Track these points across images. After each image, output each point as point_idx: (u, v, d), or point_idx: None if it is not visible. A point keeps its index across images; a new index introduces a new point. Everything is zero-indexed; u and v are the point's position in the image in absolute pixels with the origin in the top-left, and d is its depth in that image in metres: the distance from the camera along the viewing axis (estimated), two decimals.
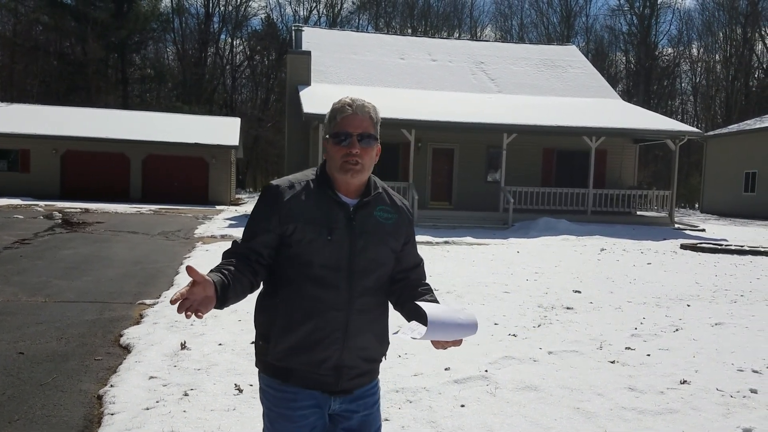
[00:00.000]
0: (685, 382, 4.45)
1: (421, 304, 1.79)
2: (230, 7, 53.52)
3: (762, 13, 51.08)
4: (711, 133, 35.64)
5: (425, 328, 1.72)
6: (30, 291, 7.36)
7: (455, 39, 37.82)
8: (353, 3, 57.50)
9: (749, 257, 12.85)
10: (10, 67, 44.00)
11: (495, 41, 36.91)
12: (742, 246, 14.41)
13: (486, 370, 4.58)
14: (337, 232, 1.83)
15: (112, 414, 3.70)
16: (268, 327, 1.86)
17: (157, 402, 3.87)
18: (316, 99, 19.02)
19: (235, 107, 50.63)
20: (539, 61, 27.16)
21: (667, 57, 56.61)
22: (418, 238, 15.02)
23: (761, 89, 51.78)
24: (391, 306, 2.02)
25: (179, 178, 28.97)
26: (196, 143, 28.46)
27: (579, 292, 8.23)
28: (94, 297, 7.18)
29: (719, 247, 14.13)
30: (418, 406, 3.88)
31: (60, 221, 16.12)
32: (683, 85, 57.68)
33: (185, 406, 3.81)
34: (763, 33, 51.81)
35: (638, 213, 21.67)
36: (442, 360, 4.82)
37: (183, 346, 5.05)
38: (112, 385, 4.18)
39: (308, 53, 22.29)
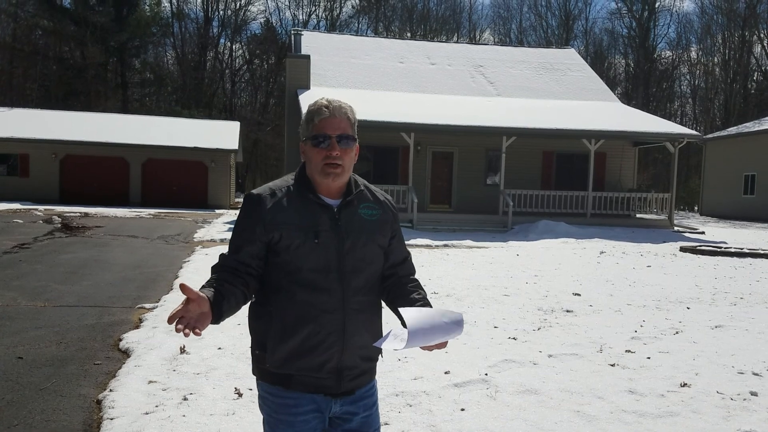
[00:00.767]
0: (685, 384, 4.44)
1: (401, 311, 1.73)
2: (229, 12, 53.65)
3: (760, 16, 51.19)
4: (710, 135, 35.67)
5: (406, 337, 1.64)
6: (29, 295, 7.35)
7: (454, 43, 37.86)
8: (352, 7, 57.72)
9: (749, 260, 12.85)
10: (10, 71, 44.04)
11: (494, 45, 36.93)
12: (741, 248, 14.41)
13: (486, 374, 4.58)
14: (323, 235, 1.83)
15: (112, 419, 3.69)
16: (264, 335, 1.85)
17: (156, 406, 3.87)
18: None
19: (234, 111, 50.67)
20: (538, 65, 27.19)
21: (665, 60, 56.74)
22: (418, 241, 15.03)
23: (760, 92, 51.84)
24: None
25: (179, 182, 28.97)
26: (195, 147, 28.48)
27: (579, 295, 8.23)
28: (93, 301, 7.17)
29: (719, 249, 14.13)
30: (417, 410, 3.87)
31: (59, 225, 16.10)
32: (682, 88, 57.81)
33: (185, 411, 3.80)
34: (761, 36, 51.91)
35: (638, 216, 21.68)
36: (442, 364, 4.81)
37: (182, 350, 5.04)
38: (111, 390, 4.17)
39: (307, 57, 22.32)
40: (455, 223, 19.42)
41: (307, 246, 1.81)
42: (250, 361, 4.63)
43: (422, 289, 2.01)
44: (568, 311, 7.11)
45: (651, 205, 21.14)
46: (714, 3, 54.38)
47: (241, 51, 54.98)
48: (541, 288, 8.72)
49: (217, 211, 26.28)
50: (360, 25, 56.72)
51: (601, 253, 13.63)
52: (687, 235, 19.43)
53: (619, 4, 56.68)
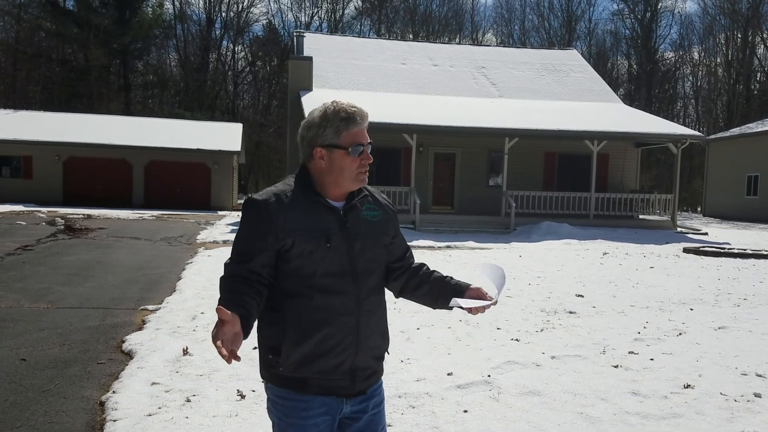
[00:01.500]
0: (688, 386, 4.43)
1: (478, 267, 2.11)
2: (232, 14, 53.74)
3: (763, 17, 51.11)
4: (713, 136, 35.61)
5: (495, 289, 1.99)
6: (32, 297, 7.37)
7: (456, 44, 37.87)
8: (355, 9, 57.68)
9: (752, 261, 12.82)
10: (13, 74, 44.19)
11: (496, 46, 36.93)
12: (744, 249, 14.38)
13: (489, 375, 4.57)
14: (334, 238, 1.82)
15: (115, 420, 3.69)
16: (278, 340, 1.82)
17: (159, 408, 3.87)
18: (318, 105, 19.03)
19: (237, 113, 50.75)
20: (540, 66, 27.18)
21: (668, 61, 56.68)
22: (420, 242, 15.03)
23: (763, 92, 51.74)
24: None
25: (181, 184, 29.01)
26: (198, 149, 28.52)
27: (582, 296, 8.21)
28: (96, 303, 7.18)
29: (722, 250, 14.10)
30: (420, 412, 3.87)
31: (62, 227, 16.14)
32: (685, 89, 57.74)
33: (187, 412, 3.80)
34: (764, 36, 51.83)
35: (640, 217, 21.65)
36: (445, 365, 4.81)
37: (185, 351, 5.04)
38: (114, 392, 4.17)
39: (310, 59, 22.34)
40: (457, 225, 19.42)
41: (320, 251, 1.80)
42: (252, 363, 4.64)
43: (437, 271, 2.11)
44: (571, 313, 7.10)
45: (654, 206, 21.10)
46: (716, 3, 54.35)
47: (243, 53, 55.16)
48: (543, 289, 8.70)
49: (220, 213, 26.31)
50: (362, 27, 56.81)
51: (604, 254, 13.61)
52: (690, 236, 19.39)
53: (621, 6, 56.71)
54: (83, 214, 21.03)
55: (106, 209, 24.33)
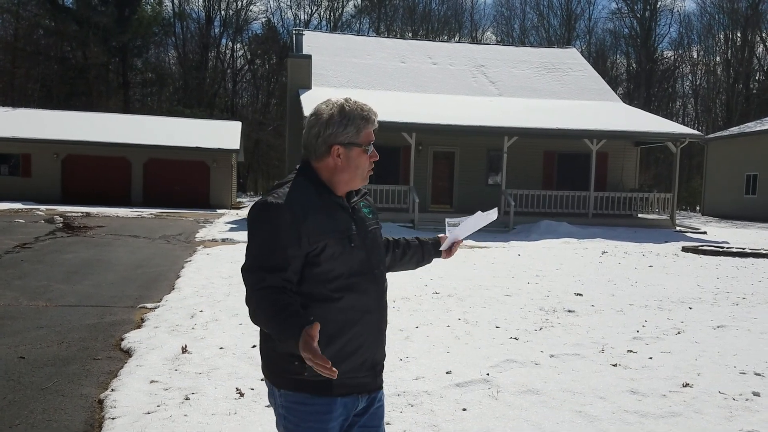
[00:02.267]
0: (687, 385, 4.43)
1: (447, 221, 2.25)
2: (231, 12, 53.67)
3: (763, 16, 51.11)
4: (712, 135, 35.63)
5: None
6: (31, 295, 7.36)
7: (456, 42, 37.86)
8: (354, 7, 57.69)
9: (751, 260, 12.83)
10: (12, 71, 44.09)
11: (495, 44, 36.94)
12: (743, 248, 14.39)
13: (487, 374, 4.57)
14: (354, 238, 1.83)
15: (113, 418, 3.69)
16: None
17: (158, 406, 3.87)
18: (320, 102, 19.02)
19: (236, 111, 50.72)
20: (540, 64, 27.18)
21: (667, 60, 56.69)
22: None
23: (762, 92, 51.77)
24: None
25: (180, 182, 28.98)
26: (197, 147, 28.48)
27: (580, 295, 8.22)
28: (95, 301, 7.18)
29: (721, 249, 14.11)
30: (419, 410, 3.87)
31: (61, 225, 16.12)
32: (684, 87, 57.75)
33: (186, 410, 3.80)
34: (763, 35, 51.84)
35: (639, 216, 21.66)
36: (444, 363, 4.81)
37: (184, 350, 5.04)
38: (113, 390, 4.17)
39: (309, 57, 22.32)
40: None
41: (346, 251, 1.79)
42: (251, 361, 4.65)
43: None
44: (569, 311, 7.11)
45: (653, 205, 21.11)
46: (716, 2, 54.36)
47: (242, 51, 55.09)
48: (542, 288, 8.71)
49: (219, 211, 26.29)
50: (361, 25, 56.77)
51: (603, 253, 13.62)
52: (689, 235, 19.40)
53: (620, 4, 56.73)
54: (82, 212, 21.01)
55: (104, 207, 24.31)
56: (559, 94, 25.16)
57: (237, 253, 10.98)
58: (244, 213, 25.57)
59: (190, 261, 10.68)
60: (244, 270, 1.77)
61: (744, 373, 4.75)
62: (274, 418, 1.92)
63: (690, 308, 7.48)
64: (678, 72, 56.48)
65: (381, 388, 1.96)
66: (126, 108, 44.77)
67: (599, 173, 21.54)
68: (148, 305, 6.97)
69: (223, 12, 53.41)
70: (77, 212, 21.06)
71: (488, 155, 22.29)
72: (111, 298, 7.40)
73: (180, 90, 51.27)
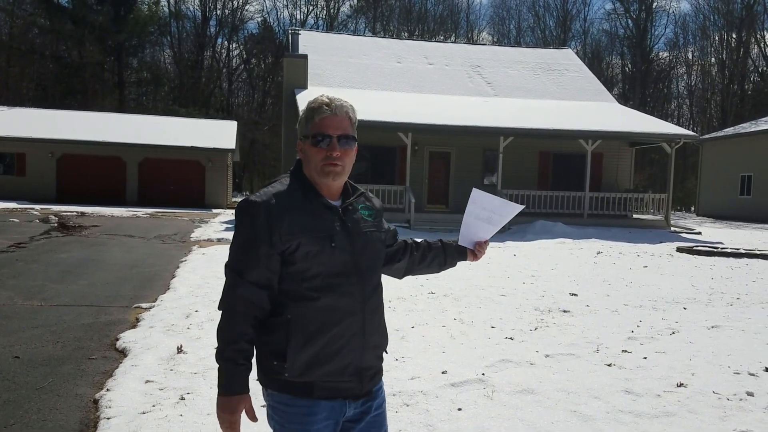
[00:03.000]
0: (681, 385, 4.45)
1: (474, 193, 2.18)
2: (227, 11, 53.65)
3: (757, 17, 51.32)
4: (707, 136, 35.74)
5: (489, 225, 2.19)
6: (26, 295, 7.34)
7: (452, 42, 37.90)
8: (350, 6, 57.63)
9: (745, 260, 12.88)
10: (6, 70, 43.92)
11: (491, 45, 36.97)
12: (738, 249, 14.44)
13: (483, 374, 4.58)
14: (337, 238, 1.79)
15: (108, 418, 3.69)
16: (283, 345, 1.76)
17: (153, 406, 3.86)
18: None
19: (231, 110, 50.64)
20: (535, 65, 27.23)
21: (662, 60, 56.85)
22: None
23: (756, 92, 51.98)
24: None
25: (175, 182, 28.93)
26: (192, 146, 28.44)
27: (575, 295, 8.24)
28: (90, 301, 7.16)
29: (715, 250, 14.15)
30: (415, 410, 3.88)
31: (56, 225, 16.08)
32: (679, 88, 57.95)
33: (181, 411, 3.80)
34: (758, 37, 52.07)
35: (634, 216, 21.72)
36: (439, 363, 4.82)
37: (179, 349, 5.04)
38: (108, 389, 4.16)
39: (305, 57, 22.31)
40: (452, 223, 19.41)
41: (325, 252, 1.76)
42: None
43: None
44: (564, 311, 7.12)
45: (648, 205, 21.17)
46: (711, 4, 54.57)
47: (238, 50, 55.04)
48: (538, 288, 8.73)
49: (214, 211, 26.26)
50: (358, 25, 56.77)
51: (598, 253, 13.65)
52: (683, 235, 19.46)
53: (616, 5, 56.81)
54: (77, 212, 20.96)
55: (99, 207, 24.25)
56: (554, 94, 25.21)
57: None
58: None
59: (185, 261, 10.67)
60: (225, 266, 1.82)
61: (738, 373, 4.77)
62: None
63: (684, 308, 7.51)
64: (673, 73, 56.72)
65: (370, 394, 1.89)
66: (121, 107, 44.66)
67: (594, 174, 21.59)
68: (144, 305, 6.96)
69: (218, 11, 53.44)
70: (72, 212, 21.00)
71: (484, 155, 22.32)
72: (106, 297, 7.38)
73: (175, 89, 51.19)
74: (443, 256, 2.21)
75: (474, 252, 2.21)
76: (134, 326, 5.98)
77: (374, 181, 20.56)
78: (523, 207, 2.21)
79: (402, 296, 7.65)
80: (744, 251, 13.89)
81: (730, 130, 34.93)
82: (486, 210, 2.17)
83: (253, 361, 1.81)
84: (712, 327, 6.42)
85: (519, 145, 20.63)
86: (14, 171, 27.80)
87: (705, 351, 5.41)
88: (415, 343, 5.45)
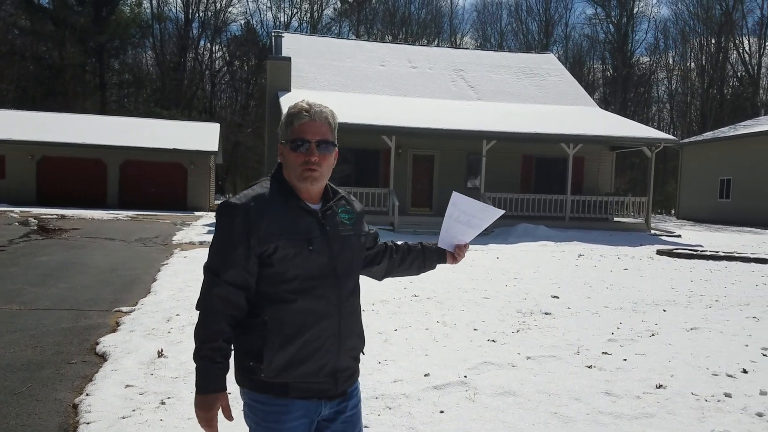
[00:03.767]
0: (661, 386, 4.50)
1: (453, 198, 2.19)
2: (210, 13, 53.35)
3: (736, 23, 52.14)
4: (686, 140, 36.20)
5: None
6: (4, 298, 7.24)
7: (435, 46, 38.04)
8: (334, 9, 57.61)
9: (724, 263, 13.05)
10: None
11: (474, 49, 37.24)
12: (717, 252, 14.63)
13: (465, 376, 4.60)
14: (315, 241, 1.81)
15: (88, 423, 3.65)
16: (260, 346, 1.79)
17: (133, 411, 3.83)
18: None
19: (214, 113, 50.37)
20: (518, 69, 27.42)
21: (643, 65, 57.49)
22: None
23: (735, 97, 52.77)
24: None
25: (157, 184, 28.69)
26: (174, 149, 28.23)
27: (557, 297, 8.30)
28: (69, 304, 7.08)
29: (695, 252, 14.33)
30: (397, 413, 3.89)
31: (35, 228, 15.87)
32: (659, 93, 58.64)
33: (162, 415, 3.77)
34: (736, 42, 52.89)
35: (615, 219, 21.93)
36: (422, 366, 4.83)
37: (160, 354, 5.00)
38: (87, 394, 4.12)
39: (288, 59, 22.27)
40: (436, 226, 19.30)
41: (302, 255, 1.79)
42: None
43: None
44: (546, 314, 7.18)
45: (628, 208, 21.40)
46: (691, 9, 55.33)
47: (221, 52, 54.72)
48: (520, 290, 8.78)
49: (196, 214, 26.08)
50: (341, 28, 56.77)
51: (580, 256, 13.76)
52: (664, 238, 19.69)
53: (598, 10, 57.35)
54: (57, 215, 20.70)
55: (80, 209, 23.97)
56: (536, 98, 25.40)
57: None
58: None
59: (166, 264, 10.59)
60: (204, 267, 1.84)
61: (716, 375, 4.83)
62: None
63: (664, 310, 7.60)
64: (654, 77, 57.37)
65: (345, 395, 1.92)
66: (103, 109, 44.22)
67: (576, 177, 21.77)
68: (124, 309, 6.90)
69: (201, 13, 53.13)
70: (52, 214, 20.74)
71: (467, 159, 22.42)
72: (86, 301, 7.30)
73: (157, 91, 50.78)
74: (422, 258, 2.22)
75: (453, 255, 2.23)
76: (114, 330, 5.93)
77: (358, 184, 20.56)
78: (503, 212, 2.22)
79: (385, 299, 7.65)
80: (723, 254, 14.08)
81: (709, 135, 35.42)
82: (466, 213, 2.18)
83: (231, 360, 1.83)
84: (691, 329, 6.51)
85: (502, 149, 20.75)
86: None
87: (684, 353, 5.48)
88: (399, 346, 5.46)
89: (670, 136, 22.86)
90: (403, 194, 21.32)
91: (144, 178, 28.49)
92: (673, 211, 38.30)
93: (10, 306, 6.87)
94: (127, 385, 4.27)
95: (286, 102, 19.53)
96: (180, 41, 52.24)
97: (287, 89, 21.54)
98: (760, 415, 3.98)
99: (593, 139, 20.63)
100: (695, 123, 52.35)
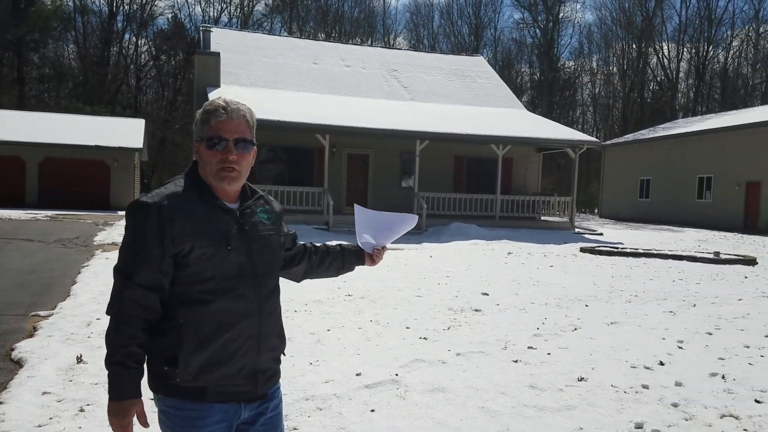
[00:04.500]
0: (582, 379, 4.67)
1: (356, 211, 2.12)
2: (135, 6, 51.49)
3: (656, 29, 54.76)
4: (608, 142, 37.76)
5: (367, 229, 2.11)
6: None
7: (368, 46, 38.14)
8: (266, 5, 56.83)
9: (643, 259, 13.68)
10: None
11: (407, 50, 37.55)
12: (636, 249, 15.32)
13: (396, 374, 4.63)
14: (233, 241, 1.77)
15: None
16: (175, 350, 1.72)
17: (50, 419, 3.67)
18: None
19: (139, 108, 48.65)
20: (450, 71, 27.85)
21: (568, 69, 59.54)
22: (334, 243, 14.96)
23: (655, 101, 55.41)
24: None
25: (79, 183, 27.52)
26: (97, 146, 27.19)
27: (487, 294, 8.48)
28: None
29: (616, 250, 14.96)
30: (327, 414, 3.87)
31: None
32: (584, 96, 60.84)
33: (81, 423, 3.62)
34: (656, 47, 55.55)
35: (542, 218, 22.62)
36: (354, 365, 4.83)
37: (79, 359, 4.80)
38: (1, 402, 3.92)
39: (217, 54, 21.80)
40: None
41: (220, 254, 1.74)
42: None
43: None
44: (476, 310, 7.32)
45: (554, 208, 22.13)
46: (613, 15, 57.72)
47: (147, 47, 52.94)
48: (452, 288, 8.92)
49: (120, 213, 25.14)
50: (273, 25, 56.01)
51: (509, 254, 14.11)
52: (587, 236, 20.46)
53: (525, 14, 58.97)
54: None
55: None
56: (467, 100, 25.87)
57: None
58: None
59: (87, 266, 10.17)
60: (114, 269, 1.76)
61: (635, 367, 5.05)
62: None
63: (586, 306, 7.89)
64: (578, 81, 59.47)
65: (265, 396, 1.88)
66: (21, 104, 41.92)
67: (505, 177, 22.33)
68: (42, 313, 6.58)
69: (126, 6, 51.20)
70: None
71: (401, 158, 22.59)
72: (1, 305, 6.92)
73: (80, 86, 48.62)
74: (341, 260, 2.19)
75: (372, 257, 2.20)
76: (31, 335, 5.65)
77: (292, 183, 20.38)
78: (417, 218, 2.21)
79: (319, 299, 7.61)
80: (642, 251, 14.76)
81: (630, 137, 37.07)
82: (374, 221, 2.16)
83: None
84: (612, 323, 6.78)
85: (435, 149, 21.03)
86: None
87: (604, 346, 5.71)
88: (331, 346, 5.44)
89: (593, 138, 23.81)
90: (337, 193, 21.27)
91: (65, 176, 27.27)
92: (596, 210, 39.85)
93: None
94: (44, 392, 4.08)
95: (224, 97, 19.09)
96: (104, 35, 50.18)
97: (216, 85, 21.09)
98: (675, 405, 4.19)
99: (521, 140, 21.21)
100: (617, 125, 54.67)
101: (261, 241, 1.85)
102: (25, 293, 7.71)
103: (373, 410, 3.94)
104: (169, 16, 57.81)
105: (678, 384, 4.61)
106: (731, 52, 54.77)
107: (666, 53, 55.69)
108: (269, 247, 1.88)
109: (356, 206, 2.16)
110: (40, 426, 3.56)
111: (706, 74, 54.77)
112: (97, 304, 6.98)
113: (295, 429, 3.61)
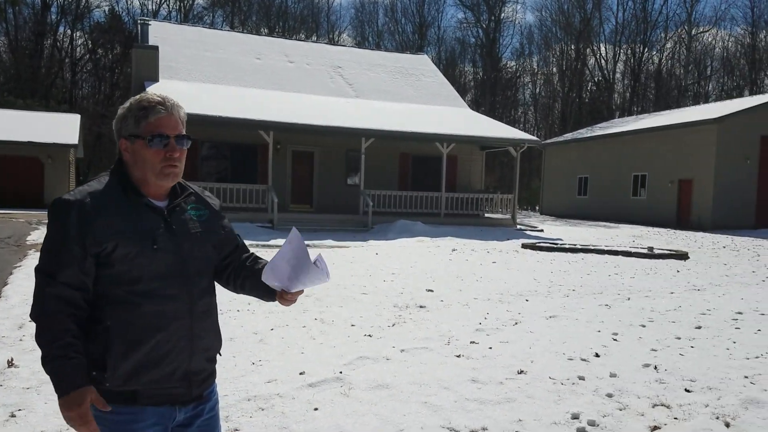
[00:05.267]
0: (522, 372, 4.79)
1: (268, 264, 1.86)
2: None
3: (594, 30, 56.47)
4: (548, 141, 38.73)
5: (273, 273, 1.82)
6: None
7: (312, 42, 37.90)
8: None
9: (581, 255, 14.11)
10: None
11: (352, 47, 37.48)
12: (575, 245, 15.79)
13: (341, 372, 4.64)
14: (160, 240, 1.73)
15: None
16: (102, 354, 1.68)
17: None
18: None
19: (75, 103, 46.90)
20: (394, 69, 27.97)
21: (510, 69, 60.72)
22: (279, 242, 14.85)
23: (592, 101, 57.14)
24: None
25: (10, 180, 26.33)
26: (29, 142, 26.06)
27: (432, 291, 8.58)
28: None
29: (555, 246, 15.38)
30: (270, 413, 3.84)
31: None
32: (525, 95, 62.20)
33: (12, 429, 3.48)
34: (594, 49, 57.27)
35: (486, 215, 23.03)
36: (298, 364, 4.81)
37: (10, 363, 4.60)
38: None
39: (155, 48, 21.22)
40: (317, 223, 19.43)
41: (145, 254, 1.70)
42: None
43: (261, 259, 2.02)
44: (421, 307, 7.39)
45: (497, 205, 22.57)
46: (553, 17, 59.21)
47: (82, 39, 51.04)
48: (397, 285, 8.98)
49: None
50: (215, 19, 54.98)
51: (453, 250, 14.30)
52: (528, 232, 20.94)
53: (467, 14, 59.83)
54: None
55: None
56: (412, 98, 26.04)
57: None
58: None
59: (19, 266, 9.75)
60: (35, 269, 1.71)
61: (572, 359, 5.21)
62: None
63: (527, 300, 8.09)
64: (520, 81, 60.73)
65: (201, 398, 1.85)
66: None
67: (450, 175, 22.61)
68: None
69: None
70: None
71: (347, 156, 22.56)
72: None
73: (11, 80, 46.46)
74: (263, 291, 1.94)
75: (283, 296, 1.91)
76: None
77: (235, 180, 20.07)
78: (328, 280, 1.92)
79: None
80: (580, 247, 15.22)
81: (569, 136, 38.13)
82: (296, 258, 1.84)
83: None
84: (551, 317, 6.97)
85: (380, 147, 21.10)
86: None
87: (543, 339, 5.87)
88: (274, 346, 5.40)
89: (534, 138, 24.36)
90: (282, 191, 21.06)
91: None
92: (537, 208, 40.84)
93: None
94: None
95: (154, 92, 18.60)
96: (37, 27, 48.12)
97: (155, 79, 20.53)
98: (609, 395, 4.34)
99: (465, 139, 21.52)
100: (557, 125, 56.13)
101: (191, 239, 1.81)
102: None
103: (316, 409, 3.93)
104: (106, 8, 55.89)
105: (613, 375, 4.78)
106: (665, 53, 57.08)
107: (603, 54, 57.56)
108: (200, 245, 1.83)
109: (294, 230, 1.88)
110: None
111: (642, 75, 56.87)
112: (30, 306, 6.70)
113: (237, 430, 3.57)
